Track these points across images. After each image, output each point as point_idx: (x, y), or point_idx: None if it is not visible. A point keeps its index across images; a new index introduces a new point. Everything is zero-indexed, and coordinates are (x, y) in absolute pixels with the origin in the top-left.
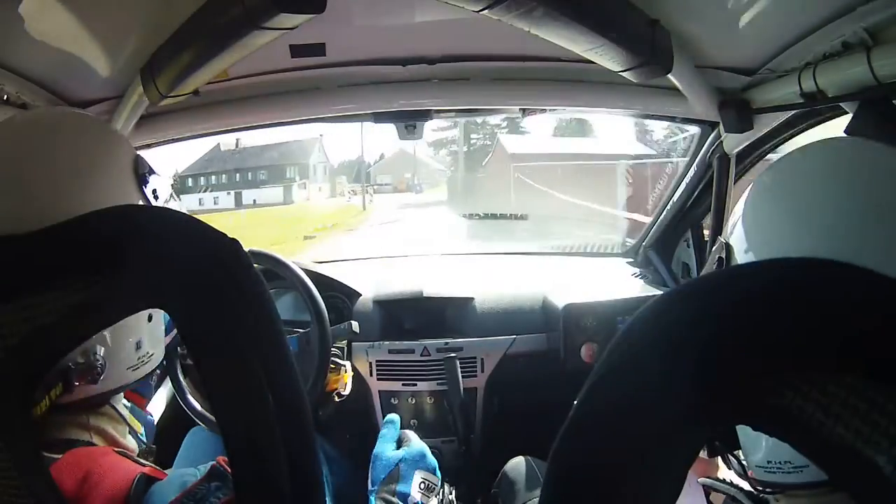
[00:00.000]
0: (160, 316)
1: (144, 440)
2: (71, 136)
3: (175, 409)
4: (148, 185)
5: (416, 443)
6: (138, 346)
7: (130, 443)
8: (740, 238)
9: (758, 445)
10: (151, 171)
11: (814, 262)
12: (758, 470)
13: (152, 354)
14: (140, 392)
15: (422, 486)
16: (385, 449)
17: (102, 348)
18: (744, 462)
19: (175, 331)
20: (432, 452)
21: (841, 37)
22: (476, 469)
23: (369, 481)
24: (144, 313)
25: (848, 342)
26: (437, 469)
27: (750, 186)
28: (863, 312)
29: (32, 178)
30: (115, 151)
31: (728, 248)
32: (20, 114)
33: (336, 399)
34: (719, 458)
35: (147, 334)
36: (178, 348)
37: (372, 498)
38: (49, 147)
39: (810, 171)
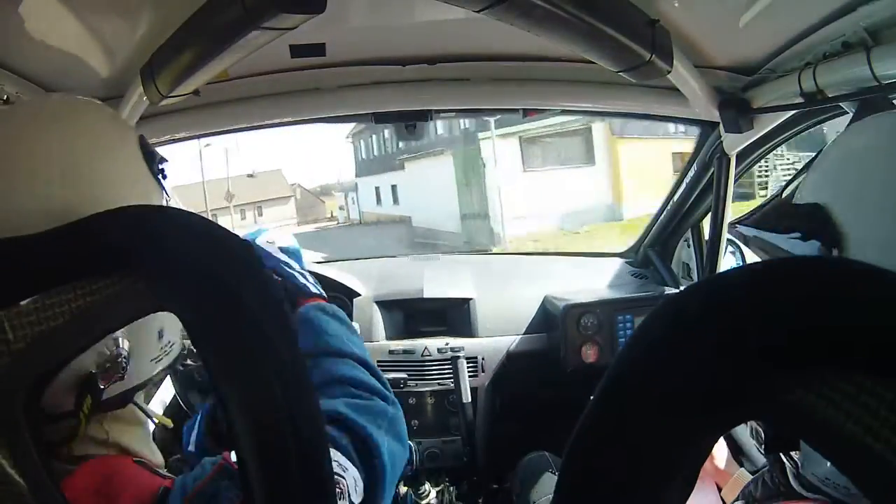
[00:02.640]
0: None
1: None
2: (76, 120)
3: (175, 409)
4: (155, 164)
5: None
6: (160, 334)
7: (152, 449)
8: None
9: (821, 460)
10: (155, 154)
11: (826, 260)
12: (813, 478)
13: (173, 344)
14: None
15: None
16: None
17: (126, 341)
18: (798, 462)
19: None
20: (433, 453)
21: (841, 37)
22: (477, 468)
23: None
24: None
25: (860, 339)
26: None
27: (843, 136)
28: (875, 310)
29: (38, 165)
30: (121, 132)
31: (819, 211)
32: (18, 104)
33: None
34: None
35: (167, 322)
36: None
37: None
38: (54, 133)
39: None
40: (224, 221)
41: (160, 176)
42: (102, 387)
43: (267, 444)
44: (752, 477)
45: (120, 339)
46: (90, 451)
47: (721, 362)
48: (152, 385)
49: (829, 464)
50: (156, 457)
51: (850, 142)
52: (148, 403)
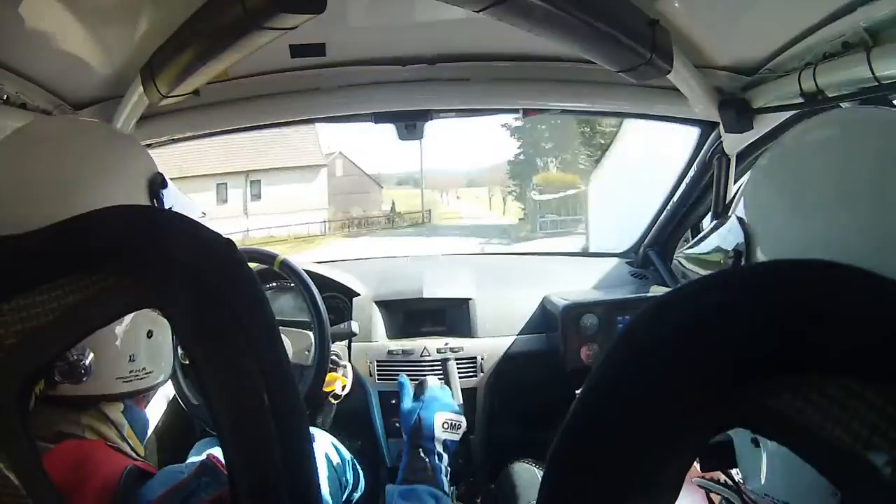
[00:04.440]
0: (165, 335)
1: (135, 453)
2: (84, 145)
3: (175, 409)
4: (163, 200)
5: (430, 390)
6: (131, 358)
7: (124, 446)
8: (755, 220)
9: (755, 473)
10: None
11: (812, 263)
12: (755, 495)
13: (150, 372)
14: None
15: (445, 425)
16: (405, 404)
17: (91, 353)
18: (739, 481)
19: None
20: None
21: (841, 37)
22: (476, 469)
23: (404, 437)
24: (144, 328)
25: (847, 344)
26: (454, 406)
27: (756, 165)
28: (861, 314)
29: (41, 185)
30: (132, 162)
31: (744, 223)
32: (36, 121)
33: (332, 400)
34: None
35: (144, 350)
36: (178, 349)
37: (405, 450)
38: (61, 155)
39: (818, 142)
40: None
41: (159, 198)
42: (57, 379)
43: (252, 441)
44: None
45: (86, 350)
46: (65, 429)
47: (707, 366)
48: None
49: (764, 476)
50: (131, 446)
51: (781, 149)
52: (149, 401)
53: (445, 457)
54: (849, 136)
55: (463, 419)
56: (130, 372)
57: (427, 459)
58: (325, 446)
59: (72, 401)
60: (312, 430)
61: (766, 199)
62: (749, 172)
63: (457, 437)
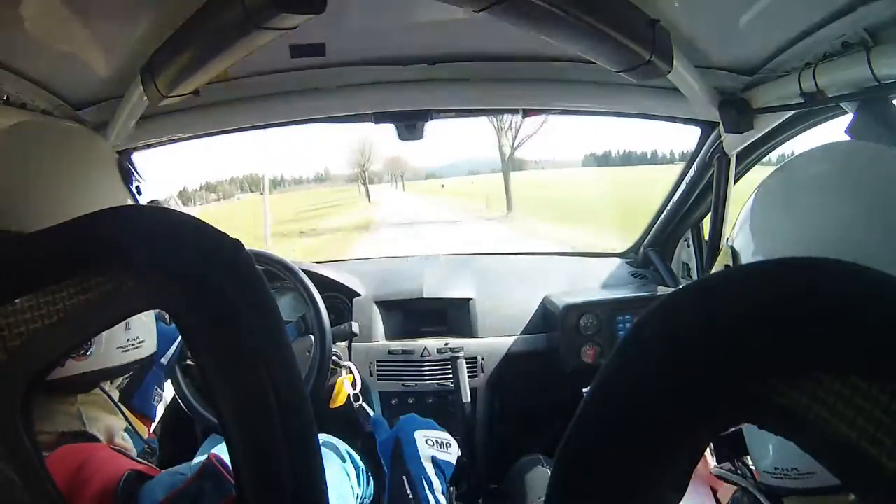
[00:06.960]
0: None
1: (144, 439)
2: (54, 143)
3: (175, 409)
4: (132, 183)
5: (404, 417)
6: (127, 326)
7: (127, 441)
8: (747, 243)
9: (765, 452)
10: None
11: (819, 261)
12: (765, 475)
13: (143, 341)
14: (144, 412)
15: (429, 442)
16: (380, 435)
17: None
18: (752, 467)
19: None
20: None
21: (841, 37)
22: (477, 468)
23: (385, 471)
24: None
25: (853, 341)
26: (435, 425)
27: (755, 190)
28: (867, 311)
29: (17, 185)
30: (98, 153)
31: (735, 253)
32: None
33: (355, 402)
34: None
35: (136, 318)
36: (180, 350)
37: (387, 485)
38: (33, 154)
39: (816, 176)
40: None
41: (137, 192)
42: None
43: (259, 442)
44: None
45: None
46: (66, 427)
47: (715, 364)
48: (122, 377)
49: (771, 452)
50: (127, 445)
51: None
52: (150, 402)
53: (438, 482)
54: (847, 173)
55: (451, 438)
56: (128, 340)
57: (412, 492)
58: (344, 455)
59: (73, 382)
60: (333, 439)
61: (770, 226)
62: (750, 201)
63: (450, 458)
